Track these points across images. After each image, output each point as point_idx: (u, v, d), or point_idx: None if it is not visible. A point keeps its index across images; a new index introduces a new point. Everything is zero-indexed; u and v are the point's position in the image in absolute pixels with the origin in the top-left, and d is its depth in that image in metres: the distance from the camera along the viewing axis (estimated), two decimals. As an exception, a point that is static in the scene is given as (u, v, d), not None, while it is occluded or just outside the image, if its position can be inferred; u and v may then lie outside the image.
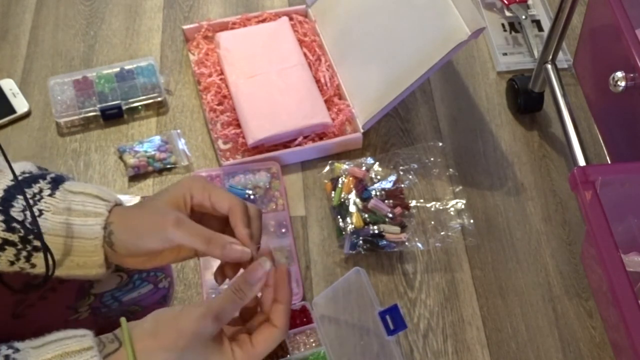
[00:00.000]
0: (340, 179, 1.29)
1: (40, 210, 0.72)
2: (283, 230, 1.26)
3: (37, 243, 0.72)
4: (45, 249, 0.71)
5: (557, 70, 1.35)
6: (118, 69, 1.44)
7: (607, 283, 0.88)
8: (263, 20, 1.53)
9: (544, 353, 1.16)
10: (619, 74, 1.09)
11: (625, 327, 0.84)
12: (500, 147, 1.40)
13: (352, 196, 1.26)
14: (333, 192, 1.28)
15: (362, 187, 1.27)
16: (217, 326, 0.66)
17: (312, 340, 1.14)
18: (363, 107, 1.37)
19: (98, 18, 1.57)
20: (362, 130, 1.36)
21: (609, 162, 1.24)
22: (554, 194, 1.34)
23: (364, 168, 1.31)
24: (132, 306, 0.96)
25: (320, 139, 1.37)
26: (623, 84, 1.08)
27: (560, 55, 1.40)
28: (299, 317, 1.15)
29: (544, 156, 1.39)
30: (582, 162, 1.23)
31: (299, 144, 1.35)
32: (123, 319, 0.67)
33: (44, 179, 0.75)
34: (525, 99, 1.42)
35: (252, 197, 1.29)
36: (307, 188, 1.33)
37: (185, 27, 1.52)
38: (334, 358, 1.12)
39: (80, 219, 0.73)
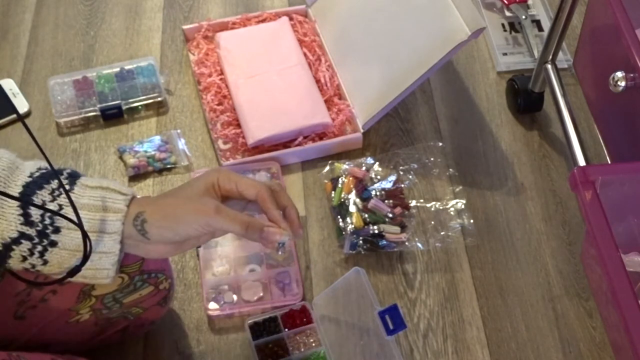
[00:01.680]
0: (340, 179, 1.29)
1: (60, 205, 0.73)
2: (283, 230, 1.26)
3: (54, 237, 0.72)
4: (81, 229, 0.72)
5: (557, 70, 1.35)
6: (118, 69, 1.44)
7: (607, 283, 0.88)
8: (263, 20, 1.53)
9: (544, 353, 1.16)
10: (619, 74, 1.09)
11: (625, 327, 0.84)
12: (500, 147, 1.40)
13: (352, 196, 1.26)
14: (333, 192, 1.28)
15: (362, 187, 1.27)
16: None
17: (312, 340, 1.14)
18: (363, 107, 1.37)
19: (98, 18, 1.57)
20: (362, 130, 1.36)
21: (609, 162, 1.24)
22: (554, 194, 1.34)
23: (364, 168, 1.31)
24: (133, 308, 0.96)
25: (320, 139, 1.37)
26: (623, 84, 1.08)
27: (560, 55, 1.40)
28: (299, 317, 1.16)
29: (544, 156, 1.39)
30: (582, 162, 1.23)
31: (299, 144, 1.35)
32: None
33: (61, 174, 0.76)
34: (525, 99, 1.42)
35: (252, 197, 1.29)
36: (307, 188, 1.33)
37: (185, 27, 1.52)
38: (334, 358, 1.12)
39: (100, 214, 0.73)
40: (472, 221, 1.28)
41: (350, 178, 1.28)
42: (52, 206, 0.72)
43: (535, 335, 1.18)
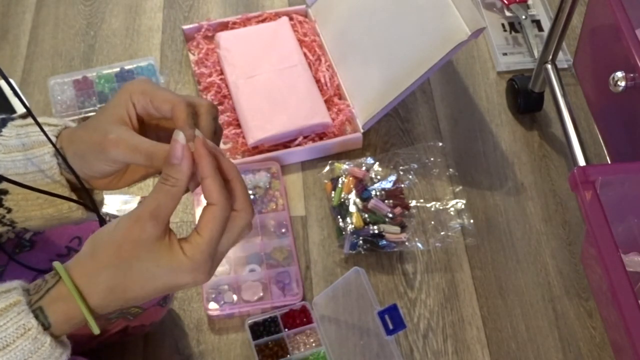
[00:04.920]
0: (340, 179, 1.29)
1: None
2: (283, 230, 1.26)
3: (0, 187, 0.69)
4: (82, 185, 0.68)
5: (557, 70, 1.35)
6: (118, 69, 1.44)
7: (607, 283, 0.88)
8: (263, 20, 1.53)
9: (544, 353, 1.16)
10: (619, 74, 1.09)
11: (625, 327, 0.84)
12: (500, 147, 1.40)
13: (352, 196, 1.26)
14: (333, 192, 1.28)
15: (362, 187, 1.27)
16: (157, 225, 0.59)
17: (312, 340, 1.14)
18: (363, 107, 1.37)
19: (98, 18, 1.57)
20: (362, 130, 1.36)
21: (609, 162, 1.24)
22: (554, 194, 1.34)
23: (364, 168, 1.31)
24: (132, 308, 0.95)
25: (320, 139, 1.37)
26: (623, 84, 1.08)
27: (560, 55, 1.40)
28: (299, 317, 1.16)
29: (544, 156, 1.39)
30: (582, 162, 1.23)
31: (299, 144, 1.35)
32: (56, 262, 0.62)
33: None
34: (525, 99, 1.42)
35: (252, 197, 1.29)
36: (307, 188, 1.33)
37: (185, 27, 1.52)
38: (334, 358, 1.12)
39: (28, 152, 0.69)
40: (472, 221, 1.28)
41: (350, 178, 1.28)
42: None
43: (535, 335, 1.18)
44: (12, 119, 0.73)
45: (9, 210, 0.71)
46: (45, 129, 0.69)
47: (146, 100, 0.66)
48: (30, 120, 0.70)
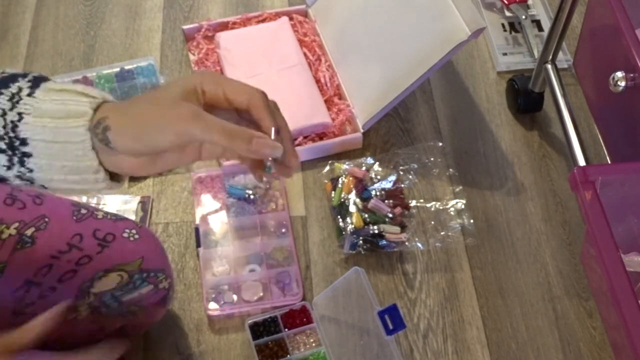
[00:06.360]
0: (340, 179, 1.29)
1: (19, 114, 0.66)
2: (283, 230, 1.26)
3: (25, 149, 0.66)
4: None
5: (557, 70, 1.35)
6: (118, 69, 1.44)
7: (607, 283, 0.88)
8: (263, 20, 1.53)
9: (544, 353, 1.16)
10: (619, 74, 1.09)
11: (625, 327, 0.84)
12: (500, 147, 1.40)
13: (352, 196, 1.26)
14: (333, 192, 1.28)
15: (362, 187, 1.27)
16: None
17: (312, 340, 1.14)
18: (363, 107, 1.37)
19: (98, 18, 1.57)
20: (362, 130, 1.36)
21: (609, 162, 1.24)
22: (554, 194, 1.34)
23: (364, 168, 1.31)
24: (132, 306, 0.96)
25: (320, 139, 1.37)
26: (623, 84, 1.08)
27: (560, 55, 1.40)
28: (299, 317, 1.16)
29: (544, 156, 1.39)
30: (582, 162, 1.23)
31: (299, 144, 1.35)
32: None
33: (25, 77, 0.69)
34: (525, 99, 1.42)
35: (252, 197, 1.29)
36: (307, 188, 1.33)
37: (185, 27, 1.52)
38: (334, 358, 1.12)
39: (62, 120, 0.66)
40: (472, 221, 1.28)
41: (350, 178, 1.28)
42: (11, 115, 0.65)
43: (535, 335, 1.18)
44: (46, 80, 0.69)
45: (31, 171, 0.68)
46: (84, 99, 0.66)
47: (218, 90, 0.65)
48: (66, 85, 0.67)
